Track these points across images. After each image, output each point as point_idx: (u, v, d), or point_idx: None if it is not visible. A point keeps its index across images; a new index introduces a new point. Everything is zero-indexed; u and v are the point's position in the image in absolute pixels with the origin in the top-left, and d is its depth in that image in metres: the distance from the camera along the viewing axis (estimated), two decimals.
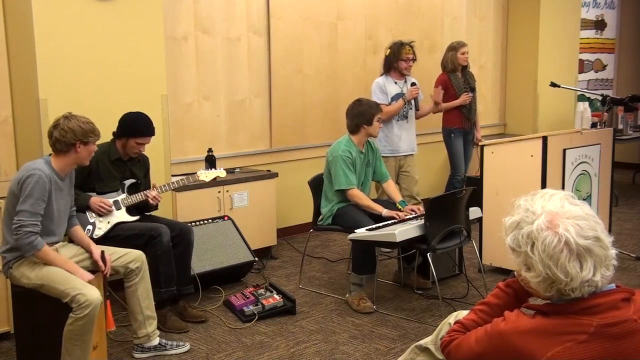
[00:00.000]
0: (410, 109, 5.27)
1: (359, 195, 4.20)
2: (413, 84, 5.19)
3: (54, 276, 2.98)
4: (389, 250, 4.95)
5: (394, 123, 5.19)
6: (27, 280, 3.02)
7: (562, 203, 1.66)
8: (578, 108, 7.67)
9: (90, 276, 3.08)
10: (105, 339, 3.33)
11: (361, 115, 4.29)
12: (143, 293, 3.36)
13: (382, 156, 5.10)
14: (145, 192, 3.79)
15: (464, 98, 5.71)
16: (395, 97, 5.16)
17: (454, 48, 5.78)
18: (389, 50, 5.21)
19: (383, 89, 5.15)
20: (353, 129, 4.33)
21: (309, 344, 3.56)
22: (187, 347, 3.48)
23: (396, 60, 5.15)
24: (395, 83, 5.21)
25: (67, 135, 3.05)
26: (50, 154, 3.15)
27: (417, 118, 5.46)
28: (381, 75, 5.28)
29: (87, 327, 2.93)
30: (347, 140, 4.31)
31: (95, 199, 3.66)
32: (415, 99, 5.23)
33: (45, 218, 3.03)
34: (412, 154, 5.33)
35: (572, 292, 1.61)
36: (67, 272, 3.02)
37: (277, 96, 5.55)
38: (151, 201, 3.79)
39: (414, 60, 5.19)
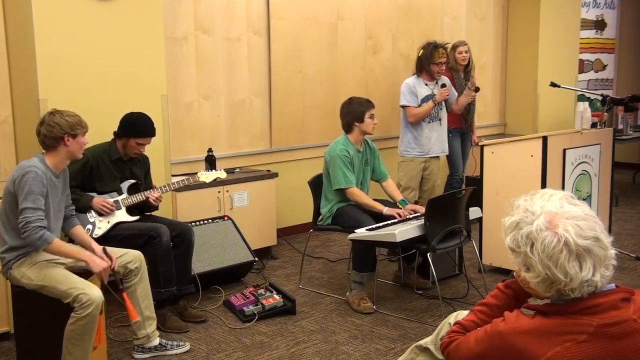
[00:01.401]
0: (441, 109, 5.21)
1: (358, 194, 4.19)
2: (443, 86, 5.13)
3: (56, 276, 2.99)
4: (389, 255, 4.93)
5: (424, 125, 5.12)
6: (28, 280, 3.02)
7: (561, 203, 1.66)
8: (578, 108, 7.67)
9: (107, 263, 3.10)
10: (106, 339, 3.33)
11: (351, 113, 4.29)
12: (142, 293, 3.36)
13: (408, 157, 5.10)
14: (146, 192, 3.79)
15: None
16: (426, 99, 5.09)
17: (454, 47, 5.78)
18: (421, 51, 5.12)
19: (413, 90, 5.07)
20: (346, 128, 4.33)
21: (309, 344, 3.56)
22: (187, 347, 3.48)
23: (428, 63, 5.06)
24: (426, 85, 5.14)
25: (54, 130, 3.05)
26: (43, 153, 3.15)
27: (458, 111, 5.44)
28: (413, 74, 5.21)
29: (88, 327, 2.93)
30: (344, 140, 4.30)
31: (97, 199, 3.67)
32: (446, 101, 5.17)
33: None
34: (438, 157, 5.29)
35: (571, 292, 1.61)
36: (69, 272, 3.03)
37: (277, 96, 5.55)
38: (153, 202, 3.79)
39: (447, 63, 5.14)
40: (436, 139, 5.21)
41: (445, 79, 5.23)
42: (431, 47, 5.06)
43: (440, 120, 5.22)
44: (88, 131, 3.19)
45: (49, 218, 3.07)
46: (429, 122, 5.15)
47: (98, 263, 3.08)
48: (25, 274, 3.02)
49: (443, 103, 5.18)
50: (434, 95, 5.11)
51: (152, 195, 3.78)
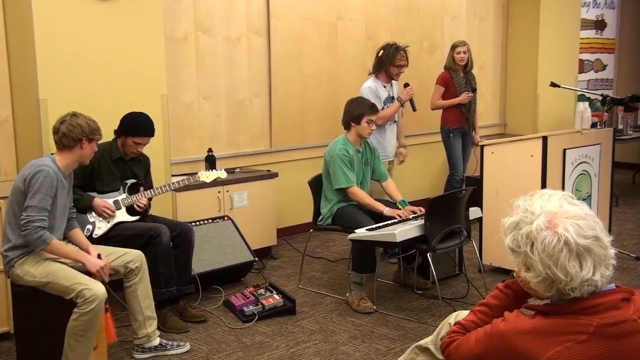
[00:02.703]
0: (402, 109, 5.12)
1: (359, 194, 4.19)
2: (407, 85, 5.01)
3: (59, 273, 3.00)
4: (382, 255, 4.91)
5: (387, 128, 5.00)
6: (32, 277, 3.02)
7: (560, 203, 1.66)
8: (578, 108, 7.67)
9: (102, 262, 3.11)
10: (106, 339, 3.33)
11: (350, 112, 4.27)
12: (143, 293, 3.36)
13: None
14: (137, 196, 3.77)
15: (464, 96, 5.69)
16: (386, 101, 4.97)
17: (453, 47, 5.78)
18: (382, 52, 4.97)
19: (376, 93, 4.92)
20: (345, 125, 4.32)
21: (309, 344, 3.56)
22: (187, 347, 3.48)
23: (389, 64, 4.91)
24: (384, 87, 5.00)
25: (75, 130, 3.08)
26: (52, 153, 3.16)
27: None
28: (369, 74, 5.08)
29: (91, 323, 2.94)
30: (343, 139, 4.30)
31: (98, 202, 3.66)
32: (411, 100, 5.02)
33: (49, 214, 3.03)
34: (393, 159, 5.19)
35: (572, 292, 1.61)
36: (72, 269, 3.05)
37: (277, 96, 5.55)
38: (136, 207, 3.76)
39: (406, 66, 4.97)
40: (393, 140, 5.09)
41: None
42: (393, 48, 4.90)
43: (395, 122, 5.09)
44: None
45: (54, 218, 3.09)
46: (390, 125, 5.01)
47: (94, 262, 3.10)
48: (28, 271, 3.03)
49: (409, 103, 5.02)
50: (393, 97, 4.99)
51: (140, 202, 3.74)
